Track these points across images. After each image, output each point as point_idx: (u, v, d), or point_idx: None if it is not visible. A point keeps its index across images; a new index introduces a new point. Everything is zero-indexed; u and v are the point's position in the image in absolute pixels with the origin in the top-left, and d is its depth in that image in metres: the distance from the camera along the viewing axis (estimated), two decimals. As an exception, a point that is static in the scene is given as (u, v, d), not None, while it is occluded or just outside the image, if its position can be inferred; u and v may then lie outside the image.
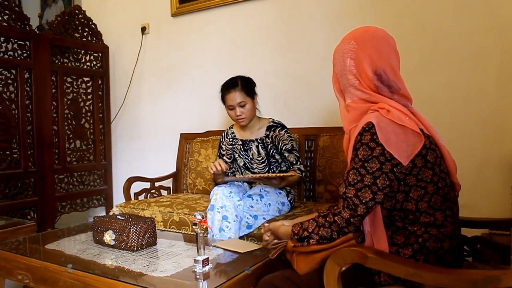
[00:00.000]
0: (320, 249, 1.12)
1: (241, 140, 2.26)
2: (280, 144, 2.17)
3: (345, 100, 1.22)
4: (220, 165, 1.99)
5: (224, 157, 2.30)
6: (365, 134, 1.08)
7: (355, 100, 1.18)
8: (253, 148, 2.21)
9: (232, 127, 2.36)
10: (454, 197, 1.18)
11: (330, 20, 2.52)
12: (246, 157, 2.22)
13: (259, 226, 1.92)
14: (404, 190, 1.09)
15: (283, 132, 2.19)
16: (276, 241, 1.32)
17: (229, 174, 2.26)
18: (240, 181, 2.21)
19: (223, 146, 2.35)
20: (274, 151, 2.18)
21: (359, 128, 1.11)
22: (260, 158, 2.19)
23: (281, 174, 1.94)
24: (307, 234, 1.15)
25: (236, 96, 2.11)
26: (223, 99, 2.18)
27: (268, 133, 2.21)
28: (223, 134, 2.38)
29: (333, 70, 1.26)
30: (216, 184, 2.25)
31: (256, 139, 2.21)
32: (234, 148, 2.27)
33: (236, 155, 2.25)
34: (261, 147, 2.19)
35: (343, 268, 1.04)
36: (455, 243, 1.12)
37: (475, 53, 2.11)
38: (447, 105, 2.18)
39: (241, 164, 2.23)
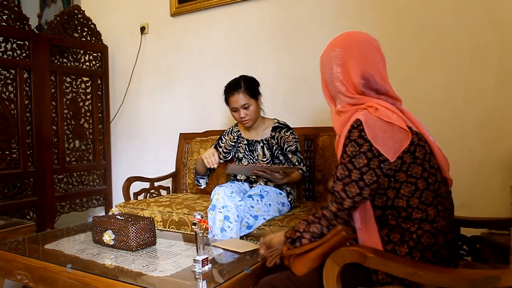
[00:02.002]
0: (314, 247, 1.13)
1: (247, 140, 2.26)
2: (284, 145, 2.17)
3: (336, 105, 1.25)
4: (213, 161, 2.05)
5: (220, 150, 2.31)
6: (353, 131, 1.11)
7: (344, 106, 1.21)
8: (258, 148, 2.21)
9: (237, 125, 2.36)
10: (446, 192, 1.19)
11: (329, 20, 2.52)
12: (251, 157, 2.22)
13: (259, 226, 1.92)
14: (394, 186, 1.11)
15: (288, 133, 2.19)
16: (272, 248, 1.32)
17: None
18: (241, 180, 2.22)
19: (223, 139, 2.35)
20: (279, 152, 2.18)
21: (348, 126, 1.13)
22: (265, 159, 2.19)
23: (284, 167, 1.95)
24: (299, 234, 1.17)
25: (240, 99, 2.10)
26: (227, 101, 2.17)
27: (273, 134, 2.21)
28: (228, 130, 2.37)
29: (322, 78, 1.30)
30: (197, 174, 2.26)
31: (262, 140, 2.22)
32: (238, 146, 2.27)
33: (241, 155, 2.25)
34: (266, 148, 2.19)
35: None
36: (449, 237, 1.13)
37: (475, 53, 2.11)
38: (446, 105, 2.18)
39: (245, 164, 2.23)
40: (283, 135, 2.19)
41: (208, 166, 2.07)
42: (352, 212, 1.14)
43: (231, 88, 2.14)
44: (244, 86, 2.11)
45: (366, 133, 1.08)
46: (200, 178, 2.29)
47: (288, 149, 2.16)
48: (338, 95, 1.23)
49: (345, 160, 1.12)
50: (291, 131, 2.21)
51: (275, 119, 2.28)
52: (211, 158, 2.06)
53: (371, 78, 1.17)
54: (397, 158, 1.08)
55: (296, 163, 2.14)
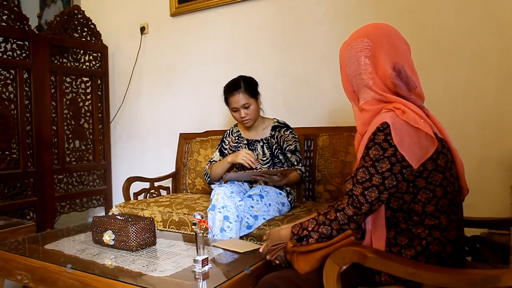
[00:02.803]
0: (320, 247, 1.12)
1: (247, 139, 2.26)
2: (284, 145, 2.17)
3: (359, 101, 1.18)
4: (251, 159, 2.02)
5: (225, 152, 2.31)
6: (379, 134, 1.06)
7: (369, 101, 1.15)
8: (258, 148, 2.21)
9: (236, 126, 2.36)
10: (459, 202, 1.16)
11: (329, 20, 2.52)
12: None
13: (259, 226, 1.92)
14: (412, 191, 1.08)
15: (287, 133, 2.19)
16: (276, 243, 1.31)
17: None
18: (241, 180, 2.22)
19: (226, 141, 2.35)
20: (278, 151, 2.18)
21: (373, 127, 1.08)
22: (264, 158, 2.19)
23: (281, 169, 1.94)
24: (307, 233, 1.15)
25: (240, 99, 2.10)
26: (227, 102, 2.18)
27: (273, 133, 2.21)
28: (228, 131, 2.38)
29: (343, 71, 1.21)
30: (211, 184, 2.25)
31: (262, 139, 2.22)
32: (239, 147, 2.27)
33: None
34: (266, 147, 2.19)
35: (343, 268, 1.04)
36: (457, 247, 1.12)
37: (475, 53, 2.11)
38: (446, 105, 2.18)
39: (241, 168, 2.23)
40: (283, 134, 2.19)
41: (248, 166, 2.06)
42: (367, 216, 1.12)
43: (231, 89, 2.14)
44: (244, 86, 2.12)
45: (392, 138, 1.03)
46: (212, 183, 2.29)
47: (287, 148, 2.16)
48: (364, 89, 1.15)
49: (367, 163, 1.07)
50: (290, 130, 2.21)
51: (274, 118, 2.28)
52: (250, 158, 2.04)
53: (402, 70, 1.11)
54: (420, 165, 1.05)
55: (295, 163, 2.14)
